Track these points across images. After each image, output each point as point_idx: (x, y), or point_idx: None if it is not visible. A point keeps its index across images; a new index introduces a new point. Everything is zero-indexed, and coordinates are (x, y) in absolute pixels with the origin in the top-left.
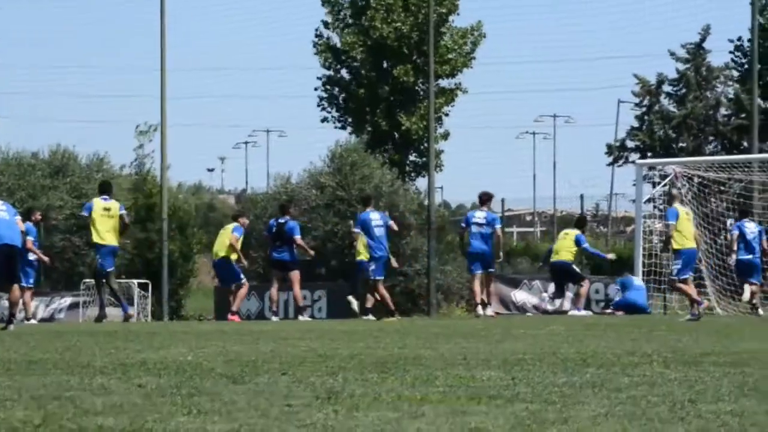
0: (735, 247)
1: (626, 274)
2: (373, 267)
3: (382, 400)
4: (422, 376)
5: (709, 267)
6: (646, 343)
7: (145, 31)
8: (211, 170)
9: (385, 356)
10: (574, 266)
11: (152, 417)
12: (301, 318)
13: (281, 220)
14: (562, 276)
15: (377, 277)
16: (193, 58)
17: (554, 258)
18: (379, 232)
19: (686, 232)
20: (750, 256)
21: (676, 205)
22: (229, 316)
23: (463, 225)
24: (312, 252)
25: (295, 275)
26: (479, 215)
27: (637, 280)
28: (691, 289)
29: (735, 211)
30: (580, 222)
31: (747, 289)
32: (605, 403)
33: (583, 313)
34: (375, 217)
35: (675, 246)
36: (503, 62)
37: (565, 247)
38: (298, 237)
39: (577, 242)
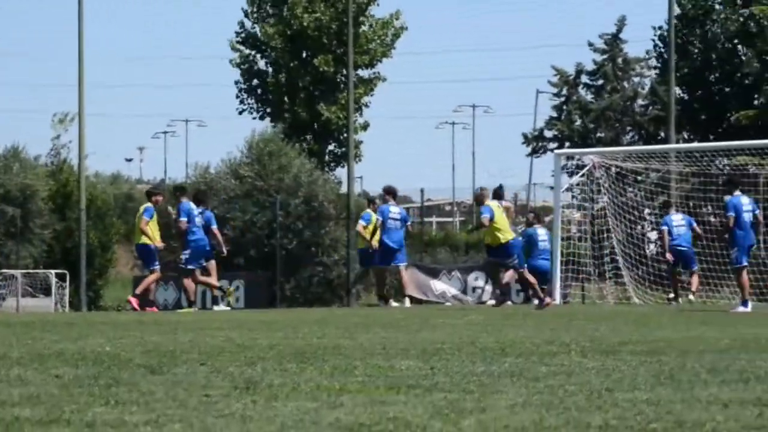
0: (667, 245)
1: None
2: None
3: (300, 390)
4: (341, 366)
5: (626, 257)
6: (564, 332)
7: (62, 19)
8: (129, 160)
9: (303, 346)
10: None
11: (69, 408)
12: (216, 308)
13: (199, 210)
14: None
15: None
16: (112, 47)
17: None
18: (392, 224)
19: (502, 225)
20: (684, 247)
21: (488, 202)
22: (131, 298)
23: (380, 219)
24: (224, 250)
25: (212, 264)
26: (394, 210)
27: (543, 236)
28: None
29: (652, 200)
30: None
31: (695, 279)
32: (523, 392)
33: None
34: (394, 211)
35: (502, 241)
36: (423, 52)
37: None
38: (215, 227)
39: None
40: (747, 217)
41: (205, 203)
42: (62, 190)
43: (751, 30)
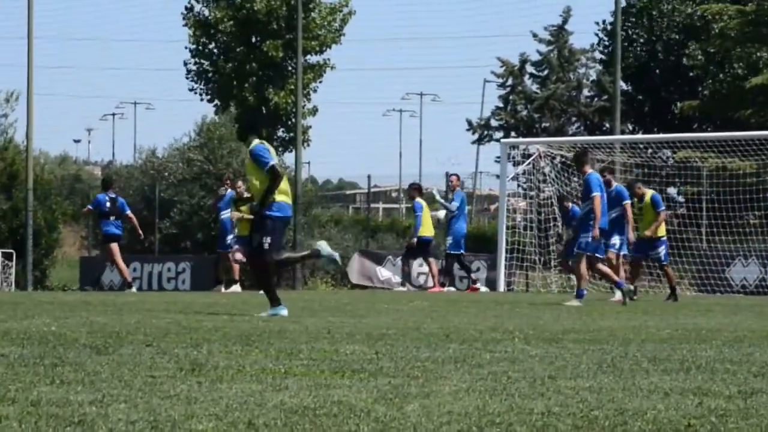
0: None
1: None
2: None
3: (246, 373)
4: (286, 350)
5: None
6: (508, 319)
7: None
8: (77, 141)
9: (249, 329)
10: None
11: (15, 386)
12: (128, 291)
13: (111, 195)
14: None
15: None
16: (61, 27)
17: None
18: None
19: (426, 221)
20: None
21: (419, 198)
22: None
23: None
24: (141, 233)
25: (116, 247)
26: None
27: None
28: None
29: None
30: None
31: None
32: (467, 378)
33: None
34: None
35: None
36: (371, 39)
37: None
38: (129, 211)
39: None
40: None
41: (113, 189)
42: (9, 170)
43: (696, 25)
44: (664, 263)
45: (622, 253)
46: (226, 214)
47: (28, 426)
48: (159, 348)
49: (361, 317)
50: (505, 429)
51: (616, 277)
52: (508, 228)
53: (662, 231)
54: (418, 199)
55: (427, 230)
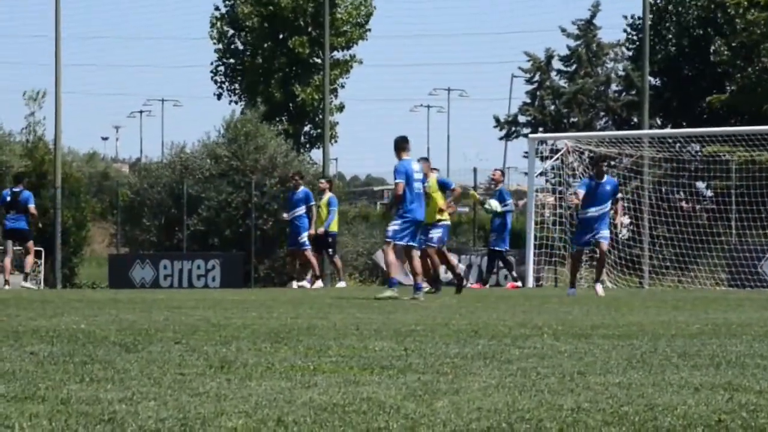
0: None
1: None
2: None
3: (275, 370)
4: (315, 346)
5: None
6: (537, 315)
7: None
8: (105, 139)
9: (278, 326)
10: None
11: (44, 384)
12: (24, 284)
13: (15, 190)
14: None
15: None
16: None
17: None
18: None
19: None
20: None
21: (331, 193)
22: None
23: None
24: (35, 227)
25: (31, 244)
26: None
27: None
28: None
29: (625, 185)
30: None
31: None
32: (496, 374)
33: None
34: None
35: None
36: (399, 36)
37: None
38: (32, 206)
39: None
40: (417, 186)
41: (22, 183)
42: (38, 169)
43: (719, 19)
44: (434, 246)
45: (436, 245)
46: (299, 212)
47: (58, 424)
48: (188, 345)
49: (389, 313)
50: (535, 425)
51: (393, 272)
52: (536, 223)
53: (445, 215)
54: (332, 195)
55: (336, 226)
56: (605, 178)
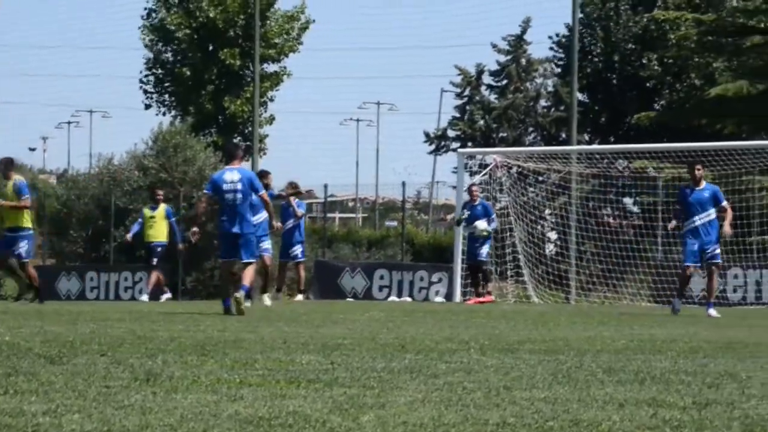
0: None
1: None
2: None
3: (201, 383)
4: (242, 360)
5: (527, 256)
6: (464, 330)
7: None
8: (32, 149)
9: (204, 339)
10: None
11: None
12: None
13: None
14: None
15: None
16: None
17: None
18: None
19: None
20: None
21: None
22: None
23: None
24: None
25: None
26: None
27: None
28: None
29: (553, 201)
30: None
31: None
32: (422, 389)
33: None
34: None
35: None
36: (329, 49)
37: None
38: None
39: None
40: (230, 198)
41: None
42: None
43: (653, 34)
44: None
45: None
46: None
47: None
48: (113, 358)
49: (317, 327)
50: None
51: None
52: (464, 238)
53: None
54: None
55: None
56: (703, 184)
